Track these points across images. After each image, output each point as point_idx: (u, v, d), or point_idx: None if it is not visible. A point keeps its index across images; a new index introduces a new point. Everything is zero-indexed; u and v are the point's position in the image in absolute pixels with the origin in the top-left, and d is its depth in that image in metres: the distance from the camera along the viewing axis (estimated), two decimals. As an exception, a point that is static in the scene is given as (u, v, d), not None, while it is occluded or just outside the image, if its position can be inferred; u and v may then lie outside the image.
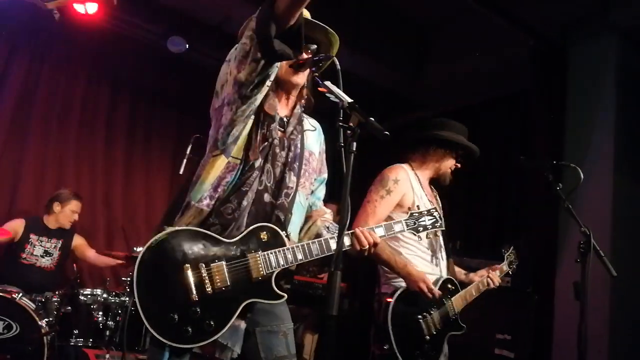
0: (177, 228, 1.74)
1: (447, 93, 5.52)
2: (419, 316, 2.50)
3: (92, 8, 4.39)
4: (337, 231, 1.95)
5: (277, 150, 1.87)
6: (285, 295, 1.80)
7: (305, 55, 1.87)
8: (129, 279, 4.31)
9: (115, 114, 5.61)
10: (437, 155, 2.76)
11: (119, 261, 4.36)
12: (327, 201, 2.21)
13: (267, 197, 1.83)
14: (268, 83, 1.78)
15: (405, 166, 2.75)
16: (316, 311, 4.81)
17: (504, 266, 2.91)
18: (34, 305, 3.71)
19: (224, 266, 1.71)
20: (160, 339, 1.61)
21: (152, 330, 1.60)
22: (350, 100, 1.64)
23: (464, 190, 5.18)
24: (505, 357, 3.89)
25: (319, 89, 1.74)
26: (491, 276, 2.76)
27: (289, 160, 1.89)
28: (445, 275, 2.70)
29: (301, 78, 1.92)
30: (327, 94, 1.70)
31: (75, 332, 4.03)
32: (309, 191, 2.03)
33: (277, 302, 1.79)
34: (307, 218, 2.06)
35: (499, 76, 5.04)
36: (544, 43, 4.58)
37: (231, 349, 1.73)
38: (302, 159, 1.97)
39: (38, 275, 4.23)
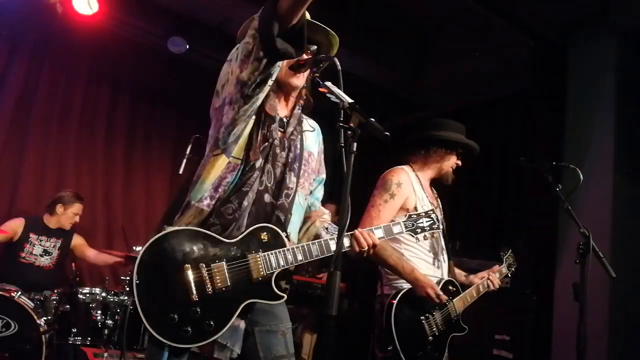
0: (177, 228, 1.74)
1: (447, 93, 5.52)
2: (422, 317, 2.51)
3: (93, 5, 4.41)
4: (336, 232, 1.96)
5: (278, 150, 1.87)
6: (285, 296, 1.80)
7: (305, 56, 1.87)
8: (127, 278, 4.31)
9: (115, 114, 5.61)
10: (438, 155, 2.77)
11: (118, 259, 4.36)
12: (325, 201, 2.21)
13: (267, 198, 1.83)
14: (270, 82, 1.78)
15: (407, 168, 2.76)
16: (315, 311, 4.81)
17: (503, 268, 2.92)
18: (32, 304, 3.71)
19: (225, 266, 1.71)
20: (160, 339, 1.61)
21: (152, 330, 1.60)
22: (350, 100, 1.64)
23: (464, 191, 5.19)
24: (504, 358, 3.90)
25: (320, 89, 1.74)
26: (491, 278, 2.76)
27: (289, 160, 1.90)
28: (446, 277, 2.71)
29: (300, 80, 1.93)
30: (328, 95, 1.70)
31: (74, 330, 4.02)
32: (308, 192, 2.03)
33: (277, 302, 1.79)
34: (306, 219, 2.06)
35: (499, 76, 5.05)
36: (543, 43, 4.58)
37: (230, 348, 1.73)
38: (302, 159, 1.97)
39: (37, 274, 4.24)
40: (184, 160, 4.16)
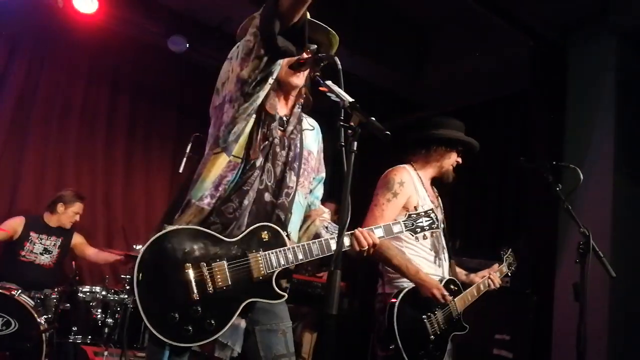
0: (177, 227, 1.74)
1: (447, 93, 5.52)
2: (424, 316, 2.52)
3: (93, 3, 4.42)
4: (335, 231, 1.96)
5: (278, 149, 1.88)
6: (286, 295, 1.80)
7: (305, 55, 1.87)
8: (128, 276, 4.32)
9: (115, 113, 5.61)
10: (439, 153, 2.78)
11: (118, 257, 4.37)
12: (325, 200, 2.21)
13: (267, 197, 1.83)
14: (270, 81, 1.78)
15: (408, 167, 2.77)
16: (315, 310, 4.81)
17: (504, 267, 2.92)
18: (32, 302, 3.71)
19: (225, 265, 1.71)
20: (161, 338, 1.60)
21: (153, 330, 1.60)
22: (351, 99, 1.64)
23: (464, 191, 5.19)
24: (504, 358, 3.90)
25: (320, 88, 1.75)
26: (492, 277, 2.77)
27: (289, 159, 1.90)
28: (447, 276, 2.71)
29: (300, 79, 1.93)
30: (328, 94, 1.71)
31: (74, 329, 4.03)
32: (307, 190, 2.03)
33: (277, 301, 1.80)
34: (306, 217, 2.06)
35: (499, 76, 5.05)
36: (543, 43, 4.58)
37: (231, 347, 1.73)
38: (302, 158, 1.97)
39: (37, 272, 4.24)
40: (184, 159, 4.16)
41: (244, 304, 1.72)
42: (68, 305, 4.03)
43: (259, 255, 1.75)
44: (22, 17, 4.89)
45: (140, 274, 1.63)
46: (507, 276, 3.03)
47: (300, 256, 1.80)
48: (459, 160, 2.84)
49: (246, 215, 1.78)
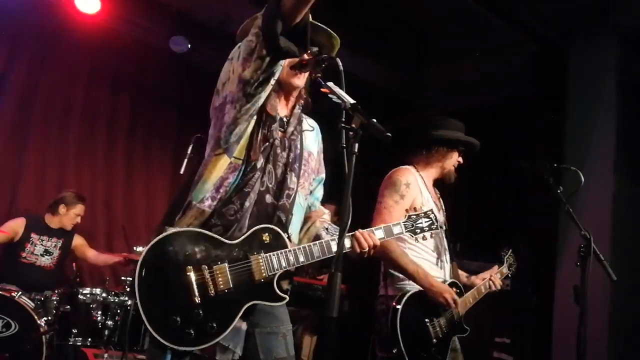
0: (178, 229, 1.73)
1: (447, 94, 5.52)
2: (427, 320, 2.53)
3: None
4: (336, 232, 1.96)
5: (278, 150, 1.87)
6: (287, 297, 1.80)
7: (306, 56, 1.87)
8: (128, 278, 4.31)
9: (115, 113, 5.61)
10: (440, 154, 2.78)
11: (117, 259, 4.36)
12: (325, 202, 2.21)
13: (268, 198, 1.83)
14: (272, 81, 1.77)
15: (411, 168, 2.77)
16: (315, 312, 4.81)
17: (504, 269, 2.92)
18: (33, 304, 3.71)
19: (227, 268, 1.71)
20: (163, 341, 1.60)
21: (154, 333, 1.59)
22: (352, 101, 1.64)
23: (464, 193, 5.18)
24: (504, 360, 3.90)
25: (322, 89, 1.74)
26: (493, 279, 2.77)
27: (290, 160, 1.90)
28: (448, 278, 2.71)
29: (301, 80, 1.93)
30: (330, 95, 1.70)
31: (74, 331, 4.03)
32: (308, 191, 2.03)
33: (278, 304, 1.79)
34: (306, 219, 2.06)
35: (499, 77, 5.04)
36: (544, 44, 4.58)
37: (232, 350, 1.73)
38: (302, 159, 1.97)
39: (37, 274, 4.23)
40: (185, 160, 4.15)
41: (245, 306, 1.71)
42: (68, 307, 4.02)
43: (260, 257, 1.75)
44: (23, 17, 4.88)
45: (142, 277, 1.63)
46: (508, 278, 3.04)
47: (301, 258, 1.80)
48: (460, 160, 2.84)
49: (247, 217, 1.78)
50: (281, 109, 1.94)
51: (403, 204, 2.59)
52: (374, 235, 1.91)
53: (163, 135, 5.88)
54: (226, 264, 1.71)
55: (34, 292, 3.89)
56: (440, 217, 2.76)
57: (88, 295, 4.13)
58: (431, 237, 2.67)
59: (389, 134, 1.55)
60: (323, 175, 2.15)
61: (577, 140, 4.33)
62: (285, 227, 1.85)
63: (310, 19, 1.84)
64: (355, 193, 1.55)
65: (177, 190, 2.02)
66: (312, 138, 2.07)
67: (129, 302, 4.11)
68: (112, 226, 5.44)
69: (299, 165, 1.94)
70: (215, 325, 1.65)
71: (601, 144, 4.19)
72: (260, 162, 1.82)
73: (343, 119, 1.60)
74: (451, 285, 2.66)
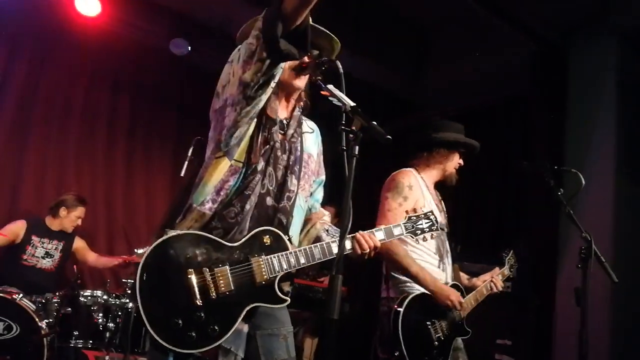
0: (179, 232, 1.74)
1: (447, 94, 5.52)
2: (428, 322, 2.54)
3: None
4: (336, 234, 1.96)
5: (279, 153, 1.88)
6: (288, 300, 1.80)
7: (307, 59, 1.87)
8: (129, 280, 4.31)
9: (115, 114, 5.61)
10: (441, 155, 2.79)
11: (117, 262, 4.36)
12: (325, 204, 2.21)
13: (269, 201, 1.83)
14: (272, 84, 1.77)
15: (413, 170, 2.77)
16: (316, 314, 4.80)
17: (506, 270, 2.92)
18: (34, 307, 3.70)
19: (228, 270, 1.71)
20: (165, 344, 1.60)
21: (156, 336, 1.59)
22: (352, 103, 1.64)
23: (464, 194, 5.17)
24: (506, 362, 3.90)
25: (322, 92, 1.74)
26: (494, 280, 2.77)
27: (290, 163, 1.90)
28: (450, 280, 2.72)
29: (303, 81, 1.93)
30: (330, 98, 1.70)
31: (75, 333, 4.02)
32: (308, 193, 2.03)
33: (280, 306, 1.80)
34: (307, 221, 2.06)
35: (500, 78, 5.04)
36: (544, 44, 4.58)
37: (234, 353, 1.73)
38: (302, 161, 1.97)
39: (38, 276, 4.23)
40: (186, 162, 4.15)
41: (247, 309, 1.71)
42: (69, 309, 4.02)
43: (261, 259, 1.75)
44: (23, 17, 4.89)
45: (143, 280, 1.63)
46: (509, 280, 3.04)
47: (302, 260, 1.80)
48: (461, 162, 2.84)
49: (248, 219, 1.78)
50: (281, 112, 1.94)
51: (406, 206, 2.59)
52: (374, 237, 1.91)
53: (163, 136, 5.88)
54: (227, 267, 1.71)
55: (35, 294, 3.88)
56: (442, 219, 2.77)
57: (89, 298, 4.13)
58: (432, 238, 2.68)
59: (389, 137, 1.55)
60: (323, 177, 2.15)
61: (577, 140, 4.33)
62: (285, 229, 1.85)
63: (311, 22, 1.84)
64: (355, 195, 1.55)
65: (178, 193, 2.03)
66: (312, 140, 2.07)
67: (130, 304, 4.10)
68: (112, 226, 5.45)
69: (299, 168, 1.94)
70: (217, 327, 1.65)
71: (601, 144, 4.19)
72: (260, 165, 1.82)
73: (343, 122, 1.60)
74: (452, 287, 2.67)
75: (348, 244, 1.85)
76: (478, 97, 5.35)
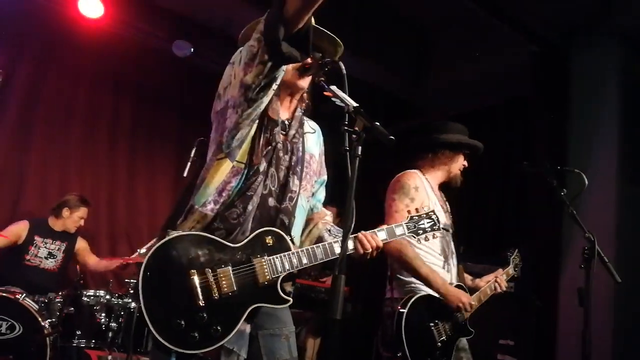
0: (181, 233, 1.74)
1: (448, 95, 5.52)
2: (432, 324, 2.54)
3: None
4: (338, 234, 1.97)
5: (281, 154, 1.88)
6: (291, 300, 1.80)
7: (309, 61, 1.87)
8: (132, 280, 4.31)
9: (117, 116, 5.62)
10: (446, 157, 2.80)
11: (117, 264, 4.36)
12: (326, 204, 2.21)
13: (271, 202, 1.84)
14: (274, 87, 1.77)
15: (418, 172, 2.78)
16: (318, 315, 4.81)
17: (510, 269, 2.92)
18: (37, 306, 3.72)
19: (230, 271, 1.71)
20: (167, 345, 1.60)
21: (158, 337, 1.59)
22: (355, 104, 1.64)
23: (466, 195, 5.17)
24: (508, 363, 3.89)
25: (325, 93, 1.75)
26: (499, 281, 2.77)
27: (292, 163, 1.90)
28: (455, 281, 2.72)
29: (306, 82, 1.93)
30: (333, 99, 1.71)
31: (78, 333, 4.03)
32: (310, 194, 2.04)
33: (282, 306, 1.80)
34: (308, 221, 2.07)
35: (500, 78, 5.04)
36: (545, 45, 4.58)
37: (237, 353, 1.73)
38: (304, 161, 1.98)
39: (41, 276, 4.25)
40: (188, 164, 4.16)
41: (249, 309, 1.72)
42: (72, 309, 4.03)
43: (263, 260, 1.75)
44: (26, 19, 4.90)
45: (145, 281, 1.63)
46: (512, 280, 3.03)
47: (304, 260, 1.80)
48: (466, 163, 2.85)
49: (250, 220, 1.78)
50: (283, 112, 1.95)
51: (413, 207, 2.59)
52: (376, 237, 1.91)
53: (164, 137, 5.89)
54: (230, 267, 1.71)
55: (37, 294, 3.90)
56: (447, 220, 2.77)
57: (92, 297, 4.14)
58: (434, 237, 2.69)
59: (392, 138, 1.55)
60: (325, 177, 2.15)
61: (579, 141, 4.32)
62: (288, 230, 1.86)
63: (312, 23, 1.85)
64: (357, 196, 1.55)
65: (180, 194, 2.03)
66: (313, 140, 2.08)
67: (133, 304, 4.11)
68: (115, 227, 5.46)
69: (301, 168, 1.95)
70: (219, 328, 1.66)
71: (603, 145, 4.18)
72: (262, 166, 1.82)
73: (346, 122, 1.61)
74: (458, 288, 2.67)
75: (350, 244, 1.86)
76: (478, 98, 5.34)
